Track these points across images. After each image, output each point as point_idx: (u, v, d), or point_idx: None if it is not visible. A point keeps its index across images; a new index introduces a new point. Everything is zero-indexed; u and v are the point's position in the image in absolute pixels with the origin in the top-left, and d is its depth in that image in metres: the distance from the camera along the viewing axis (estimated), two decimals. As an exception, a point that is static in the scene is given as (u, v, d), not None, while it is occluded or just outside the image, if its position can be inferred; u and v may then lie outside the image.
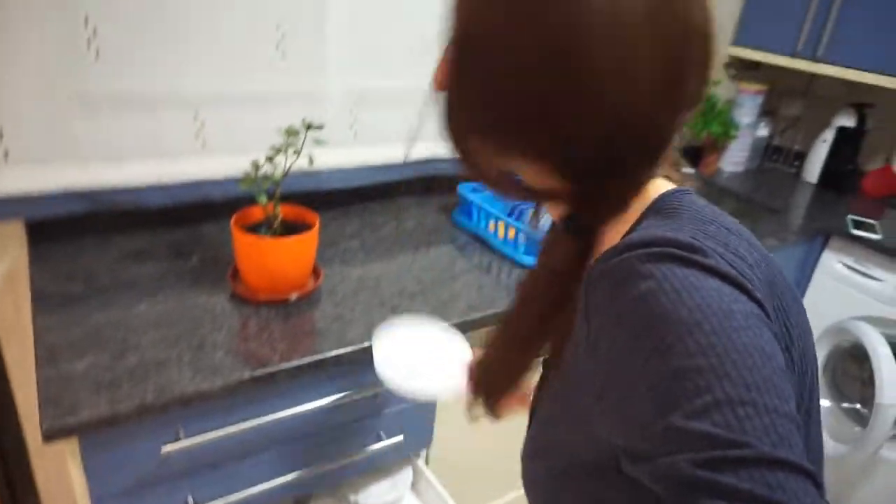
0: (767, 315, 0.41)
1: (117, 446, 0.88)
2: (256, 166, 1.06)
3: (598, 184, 0.48)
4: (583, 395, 0.48)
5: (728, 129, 2.16)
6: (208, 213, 1.34)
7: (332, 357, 1.00)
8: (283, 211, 1.12)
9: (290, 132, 1.05)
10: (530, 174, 0.50)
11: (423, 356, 0.89)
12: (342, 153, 1.43)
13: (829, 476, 1.94)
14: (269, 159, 1.06)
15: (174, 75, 1.18)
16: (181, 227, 1.33)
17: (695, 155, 2.29)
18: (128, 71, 1.13)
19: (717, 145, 2.23)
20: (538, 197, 0.54)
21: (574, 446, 0.51)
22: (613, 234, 0.51)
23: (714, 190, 2.17)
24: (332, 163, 1.41)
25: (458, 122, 0.50)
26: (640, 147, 0.46)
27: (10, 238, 1.20)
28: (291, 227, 1.12)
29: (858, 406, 1.91)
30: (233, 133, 1.28)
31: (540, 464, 0.58)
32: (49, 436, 0.80)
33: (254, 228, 1.10)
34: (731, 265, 0.42)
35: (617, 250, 0.44)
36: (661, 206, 0.49)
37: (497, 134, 0.48)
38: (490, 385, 0.71)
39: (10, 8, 1.01)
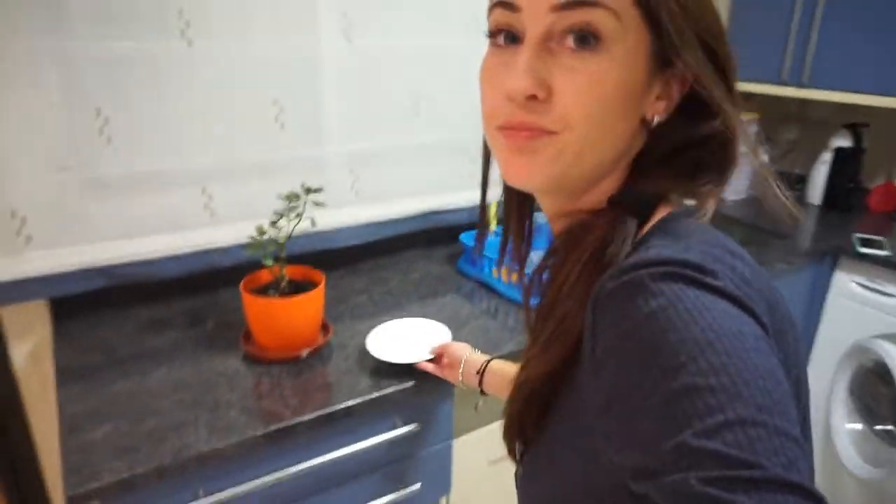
0: (770, 339, 0.42)
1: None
2: (261, 231, 1.11)
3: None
4: (582, 414, 0.47)
5: (726, 160, 2.19)
6: (220, 280, 1.40)
7: (343, 409, 1.02)
8: (289, 272, 1.17)
9: (291, 197, 1.11)
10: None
11: (405, 337, 1.18)
12: (346, 212, 1.48)
13: (864, 502, 1.88)
14: (273, 224, 1.11)
15: (181, 153, 1.26)
16: (195, 295, 1.39)
17: (696, 187, 2.32)
18: (138, 152, 1.21)
19: (717, 176, 2.25)
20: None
21: (573, 471, 0.51)
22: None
23: (719, 219, 2.18)
24: (336, 223, 1.47)
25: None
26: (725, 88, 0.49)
27: (36, 317, 1.26)
28: (299, 287, 1.16)
29: (891, 427, 1.86)
30: (239, 202, 1.34)
31: (538, 488, 0.58)
32: (72, 503, 0.83)
33: (262, 290, 1.14)
34: (738, 288, 0.42)
35: (626, 269, 0.43)
36: (667, 227, 0.49)
37: None
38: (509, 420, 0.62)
39: (26, 100, 1.10)
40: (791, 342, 0.49)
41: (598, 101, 0.47)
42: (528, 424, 0.57)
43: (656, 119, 0.51)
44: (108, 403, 1.01)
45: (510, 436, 0.61)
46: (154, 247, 1.27)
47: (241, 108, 1.30)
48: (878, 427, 1.87)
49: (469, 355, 1.01)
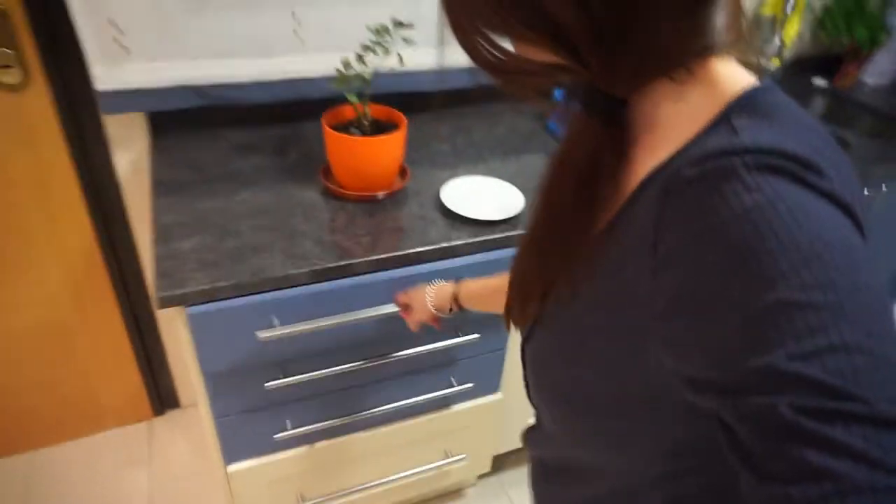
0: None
1: (219, 327, 0.98)
2: (347, 65, 1.08)
3: (606, 34, 0.39)
4: (629, 309, 0.43)
5: (877, 34, 1.90)
6: (306, 111, 1.40)
7: (413, 254, 1.05)
8: (372, 111, 1.15)
9: (380, 30, 1.06)
10: (534, 53, 0.44)
11: (480, 194, 1.19)
12: (435, 54, 1.41)
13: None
14: (359, 58, 1.07)
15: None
16: (282, 124, 1.40)
17: (830, 65, 2.05)
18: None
19: (861, 53, 1.97)
20: (546, 72, 0.44)
21: (609, 363, 0.47)
22: (676, 130, 0.43)
23: (849, 105, 1.95)
24: (425, 64, 1.40)
25: (454, 9, 0.45)
26: None
27: (136, 129, 1.32)
28: (381, 127, 1.15)
29: None
30: (329, 30, 1.30)
31: (557, 372, 0.54)
32: (162, 304, 0.92)
33: (344, 127, 1.14)
34: (844, 192, 0.36)
35: (712, 153, 0.37)
36: (753, 104, 0.41)
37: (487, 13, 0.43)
38: (513, 293, 0.60)
39: None
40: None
41: None
42: (529, 308, 0.55)
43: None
44: (195, 218, 1.07)
45: (519, 300, 0.57)
46: (245, 70, 1.27)
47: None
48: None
49: (431, 287, 0.96)
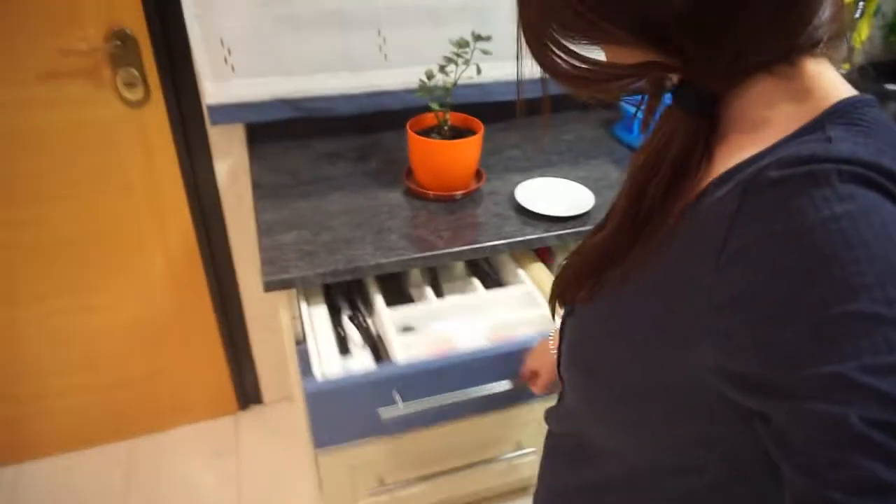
0: None
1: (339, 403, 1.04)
2: (430, 75, 1.18)
3: (704, 30, 0.40)
4: (680, 299, 0.43)
5: (951, 39, 1.87)
6: (387, 121, 1.51)
7: (490, 247, 1.13)
8: (452, 118, 1.24)
9: (461, 43, 1.15)
10: (623, 55, 0.45)
11: (551, 193, 1.26)
12: (509, 66, 1.50)
13: None
14: (442, 68, 1.17)
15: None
16: (364, 134, 1.52)
17: (889, 72, 2.02)
18: (325, -8, 1.30)
19: (935, 58, 1.94)
20: (637, 73, 0.45)
21: (647, 351, 0.47)
22: (766, 131, 0.42)
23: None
24: (499, 75, 1.49)
25: (531, 14, 0.46)
26: None
27: (235, 139, 1.46)
28: (459, 133, 1.24)
29: None
30: (410, 47, 1.41)
31: (595, 354, 0.54)
32: (268, 287, 1.02)
33: (426, 133, 1.24)
34: None
35: (803, 158, 0.37)
36: (849, 115, 0.40)
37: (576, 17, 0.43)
38: (565, 275, 0.58)
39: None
40: None
41: None
42: (585, 285, 0.54)
43: None
44: (293, 216, 1.19)
45: (568, 288, 0.56)
46: (333, 83, 1.39)
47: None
48: None
49: (550, 341, 0.93)
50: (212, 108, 1.32)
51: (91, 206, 1.42)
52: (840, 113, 0.41)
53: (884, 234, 0.33)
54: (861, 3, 1.67)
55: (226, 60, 1.29)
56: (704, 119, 0.44)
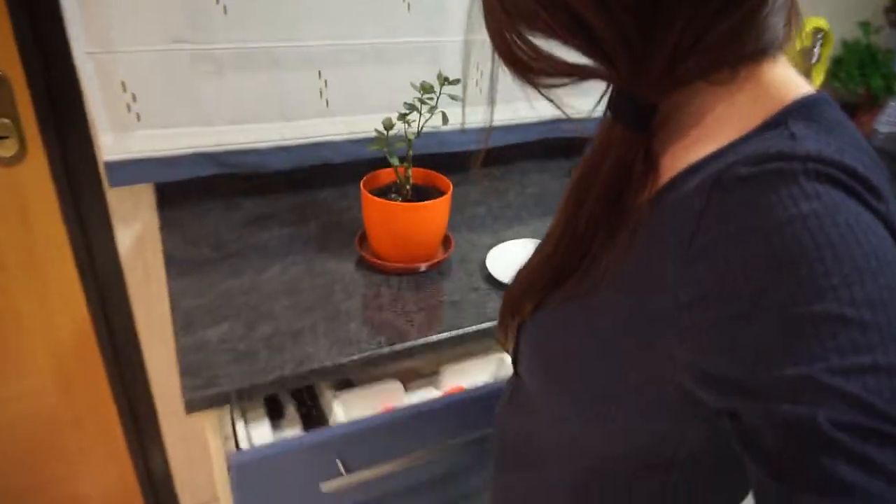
0: None
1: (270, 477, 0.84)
2: (389, 125, 0.98)
3: (643, 35, 0.39)
4: (647, 303, 0.41)
5: (891, 83, 1.89)
6: (327, 177, 1.29)
7: (473, 332, 0.92)
8: (413, 174, 1.04)
9: (425, 87, 0.97)
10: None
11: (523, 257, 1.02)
12: (468, 112, 1.33)
13: None
14: (403, 117, 0.98)
15: (297, 31, 1.11)
16: (301, 191, 1.29)
17: (847, 113, 2.03)
18: (251, 27, 1.08)
19: (877, 102, 1.96)
20: (573, 73, 0.43)
21: (600, 360, 0.46)
22: (722, 128, 0.42)
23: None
24: (454, 123, 1.32)
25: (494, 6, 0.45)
26: None
27: (141, 203, 1.20)
28: (422, 192, 1.04)
29: None
30: (354, 93, 1.21)
31: (557, 348, 0.52)
32: (191, 408, 0.77)
33: (383, 193, 1.03)
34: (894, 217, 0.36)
35: (770, 155, 0.36)
36: (810, 113, 0.40)
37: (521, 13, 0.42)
38: (514, 293, 0.57)
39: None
40: None
41: None
42: (533, 301, 0.54)
43: None
44: (221, 301, 0.94)
45: (517, 305, 0.56)
46: (264, 135, 1.16)
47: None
48: None
49: None
50: (110, 166, 1.06)
51: (-52, 291, 1.11)
52: (799, 110, 0.40)
53: (848, 233, 0.33)
54: (816, 50, 1.64)
55: (129, 108, 1.04)
56: (641, 131, 0.43)
